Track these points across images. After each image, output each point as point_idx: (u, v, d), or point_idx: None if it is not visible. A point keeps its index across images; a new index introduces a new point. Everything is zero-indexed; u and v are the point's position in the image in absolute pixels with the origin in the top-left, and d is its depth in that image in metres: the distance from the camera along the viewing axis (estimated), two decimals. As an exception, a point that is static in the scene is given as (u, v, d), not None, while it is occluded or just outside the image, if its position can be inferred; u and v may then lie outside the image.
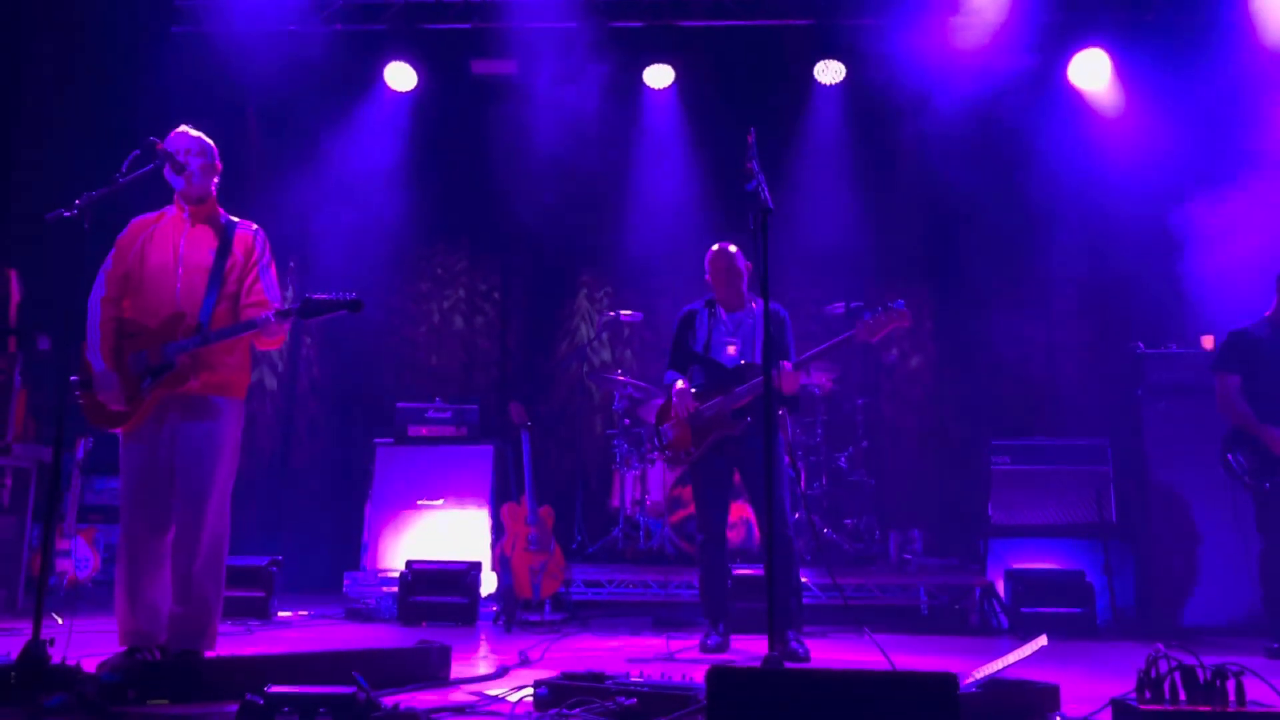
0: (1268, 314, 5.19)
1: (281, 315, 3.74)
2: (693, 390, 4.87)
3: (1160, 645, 2.91)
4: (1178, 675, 2.80)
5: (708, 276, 5.01)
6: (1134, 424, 6.20)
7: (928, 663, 4.39)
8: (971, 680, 3.14)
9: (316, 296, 3.77)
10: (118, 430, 3.77)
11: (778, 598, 4.39)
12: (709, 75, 8.10)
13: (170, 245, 3.84)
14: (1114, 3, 7.50)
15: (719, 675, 2.48)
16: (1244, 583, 5.39)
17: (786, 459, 4.90)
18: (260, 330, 3.74)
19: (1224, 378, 5.14)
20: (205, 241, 3.86)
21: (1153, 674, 2.83)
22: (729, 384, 4.79)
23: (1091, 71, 7.62)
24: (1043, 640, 3.59)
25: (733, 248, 4.99)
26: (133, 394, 3.70)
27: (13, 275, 6.62)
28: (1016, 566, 5.85)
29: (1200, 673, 2.79)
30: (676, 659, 4.42)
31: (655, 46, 7.98)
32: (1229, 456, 5.06)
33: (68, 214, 3.45)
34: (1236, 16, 7.09)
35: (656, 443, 5.04)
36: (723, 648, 4.67)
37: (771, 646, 3.21)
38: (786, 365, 4.64)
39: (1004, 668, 3.33)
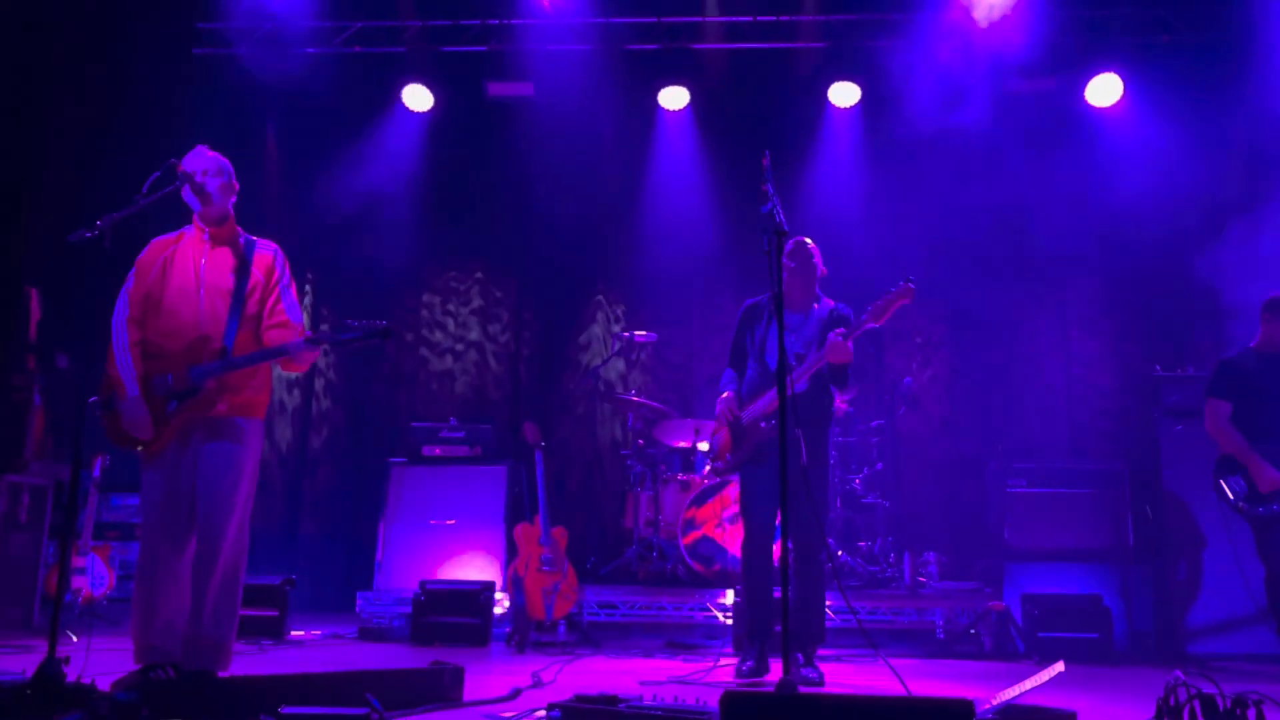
0: (1253, 345, 5.25)
1: (312, 342, 3.76)
2: (742, 393, 4.69)
3: (1179, 672, 2.88)
4: (1197, 703, 2.77)
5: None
6: (1151, 447, 6.17)
7: (943, 688, 4.36)
8: (988, 706, 3.12)
9: (347, 324, 3.80)
10: (138, 449, 3.79)
11: (796, 619, 4.34)
12: (724, 97, 8.15)
13: (192, 267, 3.86)
14: (1130, 27, 7.50)
15: (733, 700, 2.47)
16: (1264, 608, 5.34)
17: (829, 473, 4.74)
18: (291, 356, 3.76)
19: (1215, 404, 5.17)
20: (226, 263, 3.89)
21: (1172, 702, 2.80)
22: (767, 388, 4.53)
23: (1108, 95, 7.62)
24: (1060, 666, 3.55)
25: (810, 242, 4.71)
26: (158, 417, 3.72)
27: (33, 294, 6.69)
28: (1033, 590, 5.80)
29: (1220, 701, 2.76)
30: (690, 682, 4.40)
31: (670, 69, 8.03)
32: (1221, 482, 5.07)
33: (89, 234, 3.47)
34: (1254, 37, 7.08)
35: (708, 453, 4.85)
36: (758, 673, 4.37)
37: (786, 670, 3.19)
38: (835, 336, 4.32)
39: (1020, 694, 3.30)
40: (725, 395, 4.73)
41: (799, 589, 4.47)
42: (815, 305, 4.70)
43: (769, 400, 4.48)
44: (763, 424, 4.53)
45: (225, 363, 3.74)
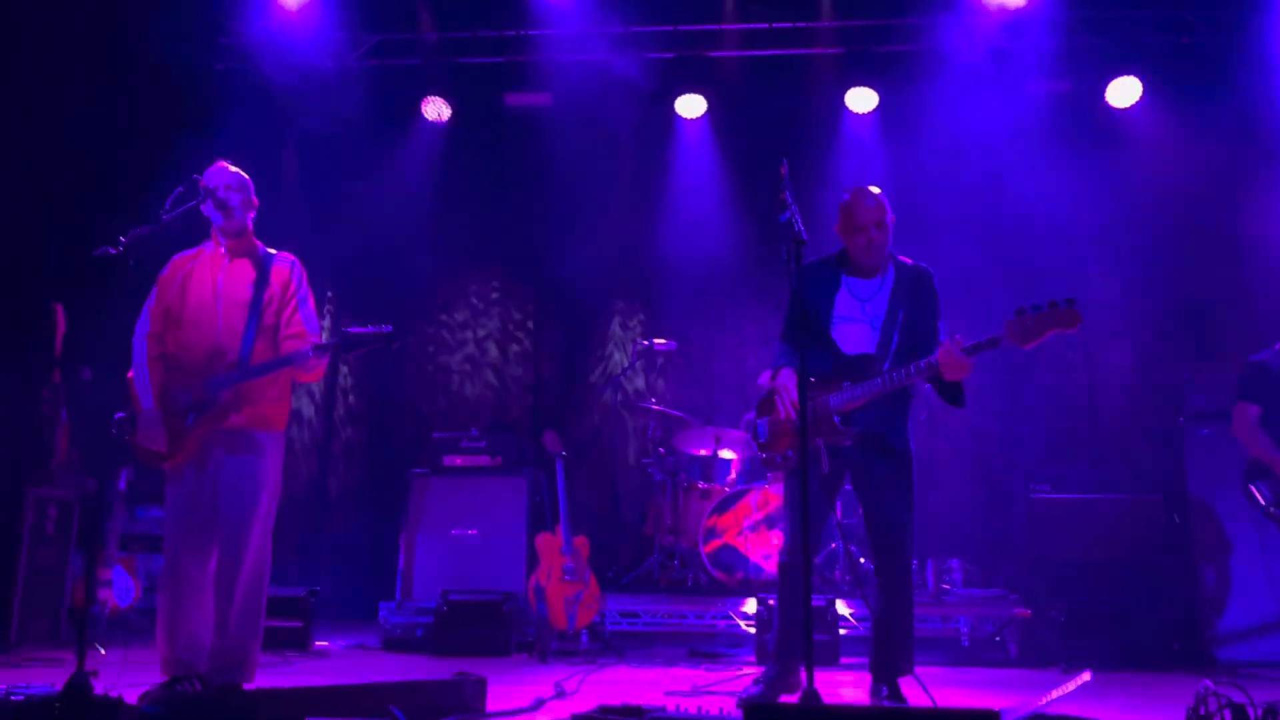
0: (1278, 346, 5.17)
1: (319, 349, 3.78)
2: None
3: (1209, 681, 2.85)
4: (1228, 713, 2.74)
5: (840, 228, 4.05)
6: (1177, 451, 6.10)
7: (969, 697, 4.32)
8: (1015, 717, 3.09)
9: (353, 330, 3.81)
10: (162, 464, 3.83)
11: (883, 645, 3.89)
12: (741, 105, 8.13)
13: (210, 281, 3.90)
14: (1150, 28, 7.44)
15: (754, 710, 2.46)
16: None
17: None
18: (298, 365, 3.78)
19: (1243, 407, 5.11)
20: (243, 276, 3.92)
21: (1201, 711, 2.77)
22: (841, 378, 3.90)
23: (1128, 97, 7.55)
24: (1086, 675, 3.52)
25: (876, 190, 4.01)
26: (176, 431, 3.76)
27: (58, 308, 6.75)
28: (1058, 597, 5.74)
29: (1251, 711, 2.73)
30: (713, 692, 4.38)
31: (687, 77, 8.02)
32: (1251, 487, 5.02)
33: (114, 250, 3.52)
34: (1275, 37, 7.02)
35: (752, 436, 4.13)
36: (785, 688, 3.78)
37: (810, 679, 3.16)
38: (950, 345, 3.75)
39: (1048, 703, 3.27)
40: (783, 378, 3.94)
41: (885, 611, 3.91)
42: (891, 267, 4.01)
43: (848, 396, 3.87)
44: (837, 421, 3.87)
45: (238, 374, 3.77)
